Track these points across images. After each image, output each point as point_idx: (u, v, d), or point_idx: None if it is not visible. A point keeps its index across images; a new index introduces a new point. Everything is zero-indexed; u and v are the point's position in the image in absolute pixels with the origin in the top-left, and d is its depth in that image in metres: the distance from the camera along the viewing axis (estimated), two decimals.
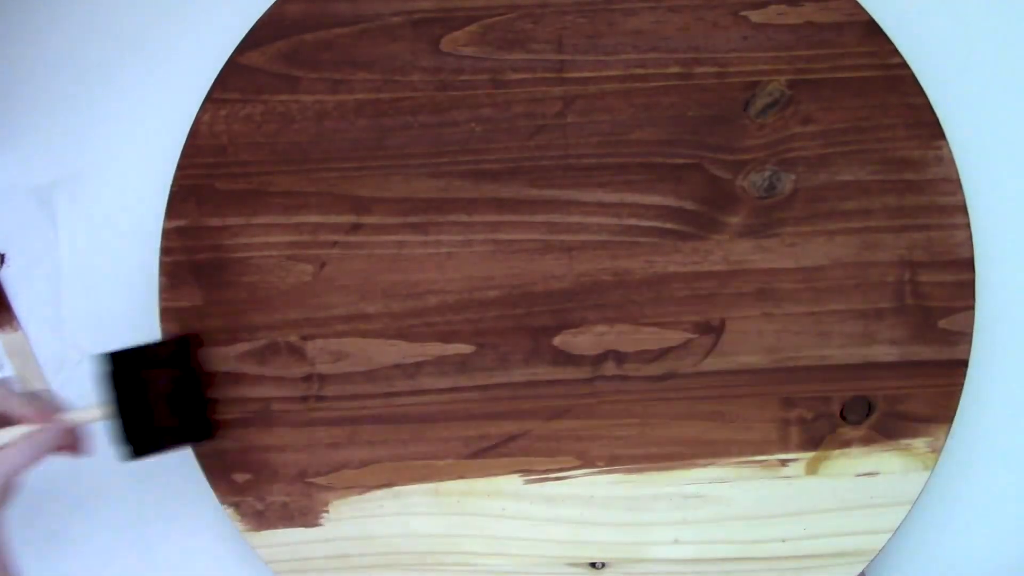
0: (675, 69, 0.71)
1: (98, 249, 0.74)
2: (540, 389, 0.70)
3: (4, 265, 0.74)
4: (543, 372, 0.70)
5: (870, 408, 0.69)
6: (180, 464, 0.71)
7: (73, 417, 0.63)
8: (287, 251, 0.70)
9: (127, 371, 0.65)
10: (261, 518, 0.70)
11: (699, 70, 0.70)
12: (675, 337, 0.70)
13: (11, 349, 0.73)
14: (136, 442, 0.65)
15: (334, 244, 0.70)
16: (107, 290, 0.74)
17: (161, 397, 0.66)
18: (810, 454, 0.69)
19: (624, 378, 0.69)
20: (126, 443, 0.65)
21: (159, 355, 0.67)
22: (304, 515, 0.70)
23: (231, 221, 0.71)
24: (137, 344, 0.66)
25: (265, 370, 0.70)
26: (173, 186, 0.71)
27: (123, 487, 0.73)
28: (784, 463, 0.69)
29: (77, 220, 0.74)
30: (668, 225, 0.70)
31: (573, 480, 0.69)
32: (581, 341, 0.70)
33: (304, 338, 0.70)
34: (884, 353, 0.69)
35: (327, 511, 0.69)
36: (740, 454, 0.69)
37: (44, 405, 0.62)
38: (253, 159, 0.71)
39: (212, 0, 0.74)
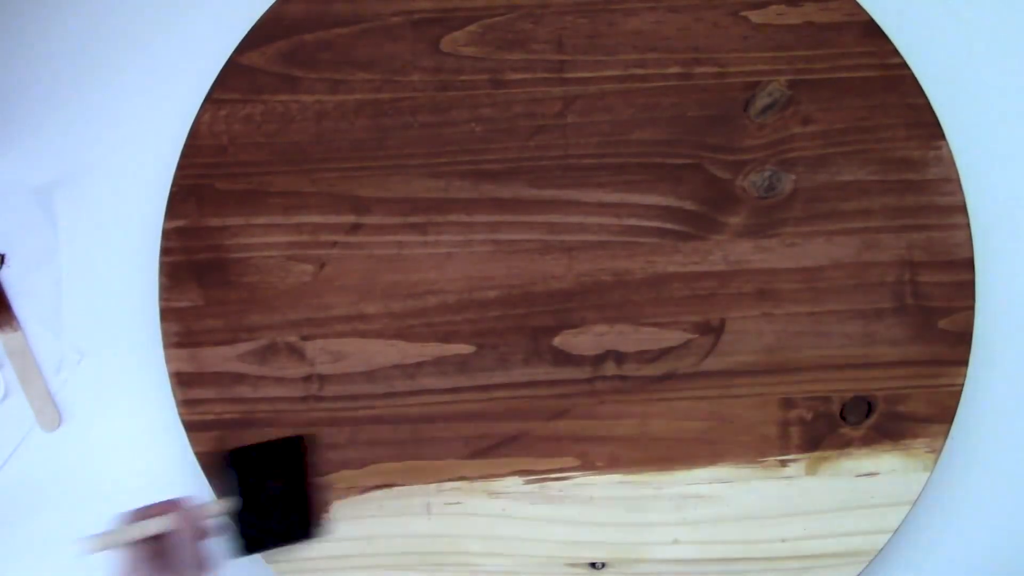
0: (675, 69, 0.71)
1: (98, 249, 0.74)
2: (540, 389, 0.70)
3: (4, 265, 0.74)
4: (543, 372, 0.70)
5: (870, 408, 0.69)
6: (185, 450, 0.71)
7: (200, 511, 0.63)
8: (287, 251, 0.70)
9: (245, 469, 0.66)
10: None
11: (699, 70, 0.71)
12: (675, 337, 0.70)
13: (11, 349, 0.73)
14: (249, 539, 0.65)
15: (334, 244, 0.70)
16: (107, 290, 0.74)
17: (275, 495, 0.66)
18: (810, 455, 0.69)
19: (624, 378, 0.69)
20: (240, 539, 0.65)
21: (275, 453, 0.67)
22: None
23: (231, 221, 0.71)
24: (257, 443, 0.67)
25: (265, 370, 0.70)
26: (173, 186, 0.71)
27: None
28: (784, 463, 0.69)
29: (77, 220, 0.74)
30: (668, 225, 0.70)
31: (573, 481, 0.69)
32: (581, 341, 0.70)
33: (304, 338, 0.70)
34: (884, 353, 0.69)
35: (327, 511, 0.69)
36: (740, 455, 0.69)
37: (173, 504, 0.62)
38: (253, 159, 0.71)
39: (212, 1, 0.74)
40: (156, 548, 0.60)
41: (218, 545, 0.64)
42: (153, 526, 0.60)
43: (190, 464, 0.71)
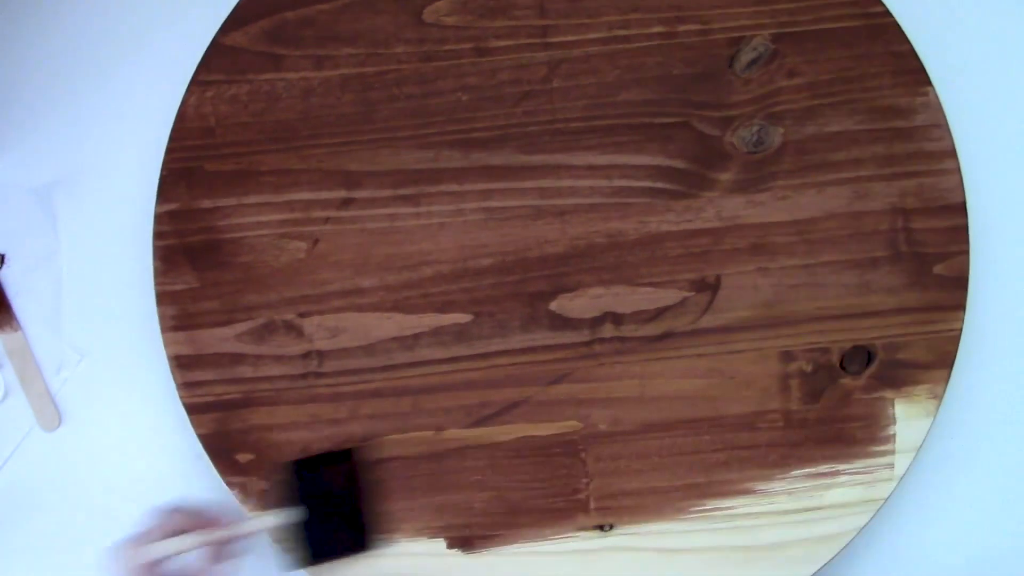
0: (658, 28, 0.71)
1: (98, 248, 0.74)
2: (539, 355, 0.70)
3: (4, 265, 0.74)
4: (541, 337, 0.70)
5: (870, 357, 0.69)
6: (186, 450, 0.71)
7: (249, 526, 0.63)
8: (280, 229, 0.70)
9: (309, 479, 0.66)
10: (266, 497, 0.70)
11: (682, 28, 0.71)
12: (671, 296, 0.70)
13: (11, 349, 0.73)
14: (315, 548, 0.65)
15: (326, 220, 0.70)
16: (107, 290, 0.74)
17: (335, 506, 0.66)
18: (812, 406, 0.69)
19: (622, 339, 0.69)
20: (306, 549, 0.65)
21: (334, 463, 0.67)
22: None
23: (222, 202, 0.71)
24: (318, 453, 0.68)
25: (264, 349, 0.70)
26: (163, 170, 0.71)
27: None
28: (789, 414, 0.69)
29: (77, 220, 0.74)
30: (659, 184, 0.70)
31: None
32: (577, 304, 0.70)
33: (301, 315, 0.70)
34: (881, 302, 0.69)
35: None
36: (742, 410, 0.69)
37: (213, 515, 0.62)
38: (241, 139, 0.71)
39: None
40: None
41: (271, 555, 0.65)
42: (188, 544, 0.60)
43: (191, 464, 0.71)
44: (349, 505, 0.67)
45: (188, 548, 0.60)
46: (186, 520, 0.61)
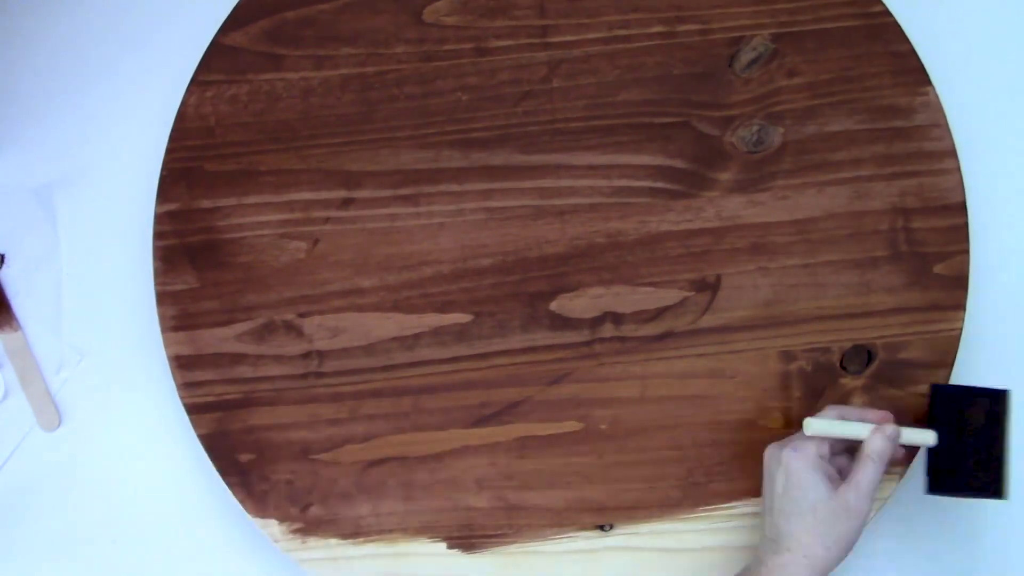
0: (658, 28, 0.71)
1: (98, 248, 0.74)
2: (539, 355, 0.70)
3: (4, 265, 0.74)
4: (541, 337, 0.70)
5: (870, 357, 0.69)
6: (186, 450, 0.71)
7: (903, 436, 0.63)
8: (280, 229, 0.70)
9: (951, 407, 0.65)
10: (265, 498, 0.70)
11: (682, 28, 0.71)
12: (671, 296, 0.70)
13: (11, 349, 0.73)
14: (942, 477, 0.64)
15: (326, 220, 0.70)
16: (107, 290, 0.74)
17: (976, 441, 0.65)
18: (812, 406, 0.69)
19: (622, 339, 0.69)
20: (935, 475, 0.64)
21: (984, 400, 0.65)
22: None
23: (222, 202, 0.71)
24: (963, 385, 0.67)
25: (264, 349, 0.70)
26: (163, 170, 0.71)
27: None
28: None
29: (77, 220, 0.74)
30: (659, 184, 0.70)
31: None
32: (578, 304, 0.70)
33: (301, 315, 0.70)
34: (881, 301, 0.69)
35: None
36: (742, 409, 0.69)
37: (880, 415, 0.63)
38: (241, 139, 0.71)
39: None
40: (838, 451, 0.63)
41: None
42: (865, 430, 0.62)
43: (191, 464, 0.71)
44: (985, 445, 0.65)
45: (846, 435, 0.62)
46: (858, 412, 0.63)
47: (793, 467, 0.61)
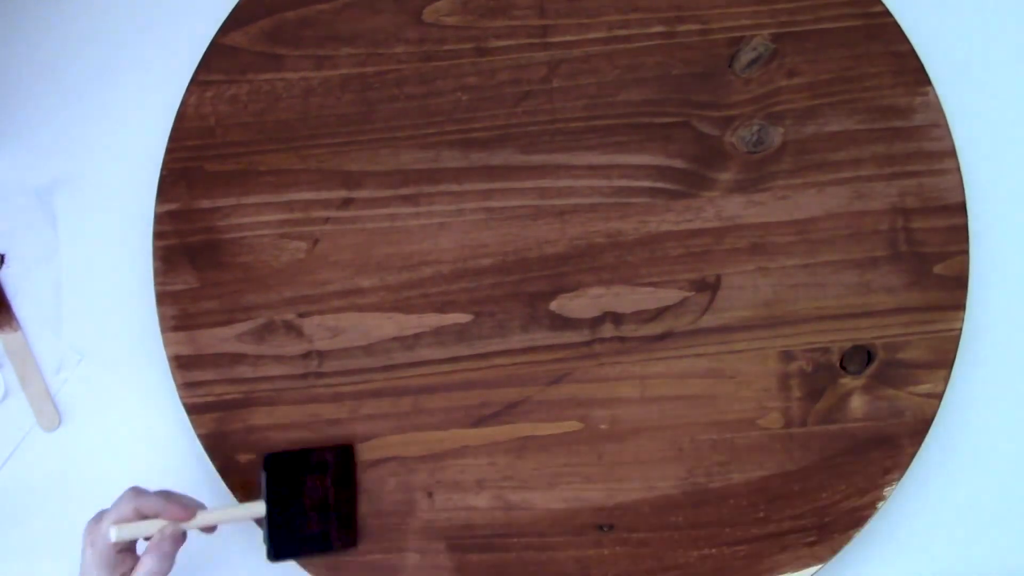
0: (658, 28, 0.71)
1: (98, 248, 0.74)
2: (539, 355, 0.70)
3: (4, 265, 0.74)
4: (541, 337, 0.70)
5: (870, 357, 0.69)
6: (186, 450, 0.71)
7: (217, 516, 0.63)
8: (280, 229, 0.70)
9: (285, 474, 0.65)
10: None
11: (682, 28, 0.71)
12: (671, 296, 0.70)
13: (11, 349, 0.73)
14: (280, 545, 0.65)
15: (326, 220, 0.70)
16: (107, 289, 0.74)
17: (314, 503, 0.66)
18: (812, 406, 0.69)
19: (622, 339, 0.69)
20: (271, 545, 0.65)
21: (320, 460, 0.67)
22: None
23: (222, 202, 0.71)
24: (300, 448, 0.67)
25: (264, 349, 0.70)
26: (163, 170, 0.71)
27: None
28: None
29: (77, 220, 0.74)
30: (659, 184, 0.70)
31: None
32: (578, 304, 0.70)
33: (301, 315, 0.70)
34: (881, 301, 0.69)
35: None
36: (742, 409, 0.69)
37: (184, 504, 0.62)
38: (241, 139, 0.71)
39: None
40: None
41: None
42: (152, 529, 0.61)
43: (191, 464, 0.71)
44: (324, 502, 0.66)
45: (150, 533, 0.61)
46: (157, 505, 0.61)
47: (85, 558, 0.61)
